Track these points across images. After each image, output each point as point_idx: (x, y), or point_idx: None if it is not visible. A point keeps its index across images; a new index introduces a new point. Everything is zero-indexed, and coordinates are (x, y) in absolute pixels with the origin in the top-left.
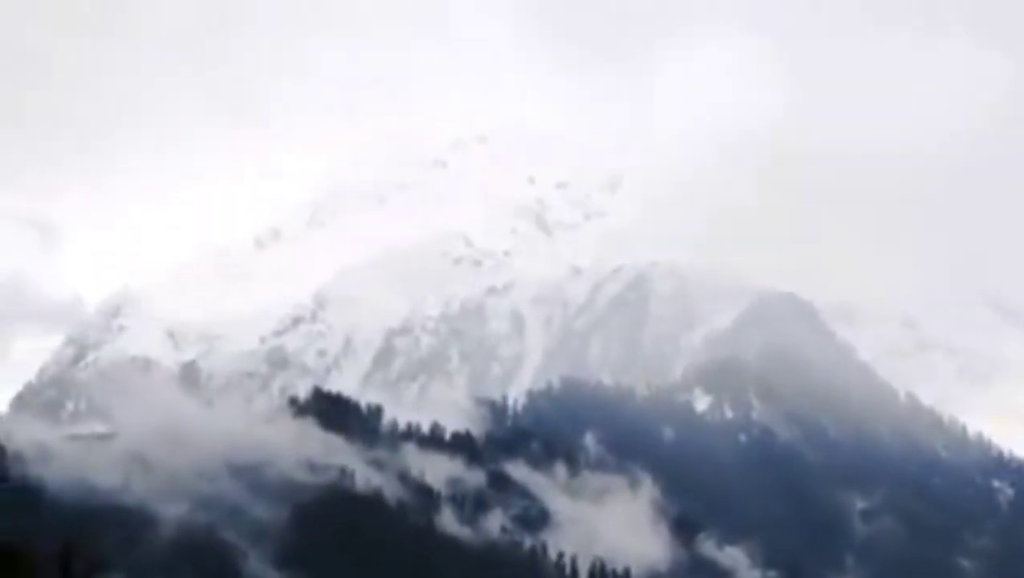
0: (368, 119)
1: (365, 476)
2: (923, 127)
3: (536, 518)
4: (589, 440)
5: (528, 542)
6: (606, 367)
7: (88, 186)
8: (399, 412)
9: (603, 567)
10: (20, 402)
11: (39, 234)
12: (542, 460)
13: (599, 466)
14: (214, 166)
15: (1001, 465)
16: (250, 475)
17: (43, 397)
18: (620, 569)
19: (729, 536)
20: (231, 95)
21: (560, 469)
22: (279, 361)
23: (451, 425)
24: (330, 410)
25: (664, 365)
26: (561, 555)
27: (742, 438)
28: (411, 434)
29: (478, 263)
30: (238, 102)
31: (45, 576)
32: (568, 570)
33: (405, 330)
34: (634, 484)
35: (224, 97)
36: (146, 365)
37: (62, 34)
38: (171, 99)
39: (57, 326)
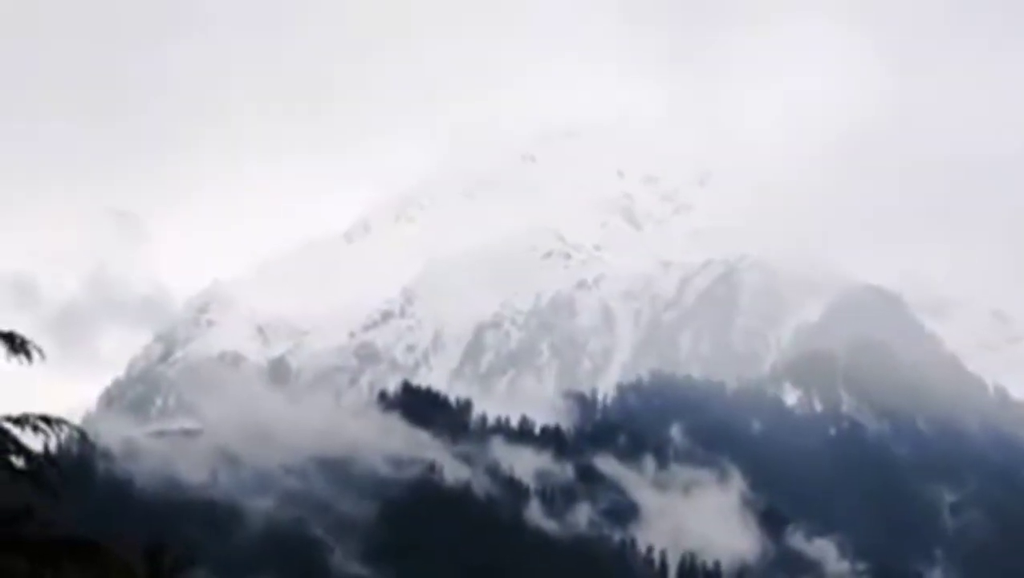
0: (457, 113)
1: (453, 470)
2: (1013, 119)
3: (625, 512)
4: (676, 432)
5: (617, 536)
6: (695, 361)
7: (175, 180)
8: (488, 406)
9: (693, 561)
10: (108, 398)
11: (125, 228)
12: (630, 453)
13: (687, 459)
14: (302, 161)
15: None
16: (338, 470)
17: (132, 393)
18: (710, 563)
19: (818, 529)
20: (319, 90)
21: (648, 462)
22: (368, 356)
23: (540, 419)
24: (419, 405)
25: (753, 359)
26: (650, 549)
27: (831, 431)
28: (500, 428)
29: (568, 257)
30: (326, 97)
31: (132, 572)
32: (658, 564)
33: (494, 324)
34: (722, 477)
35: (312, 92)
36: (235, 361)
37: (145, 33)
38: (259, 95)
39: (144, 321)
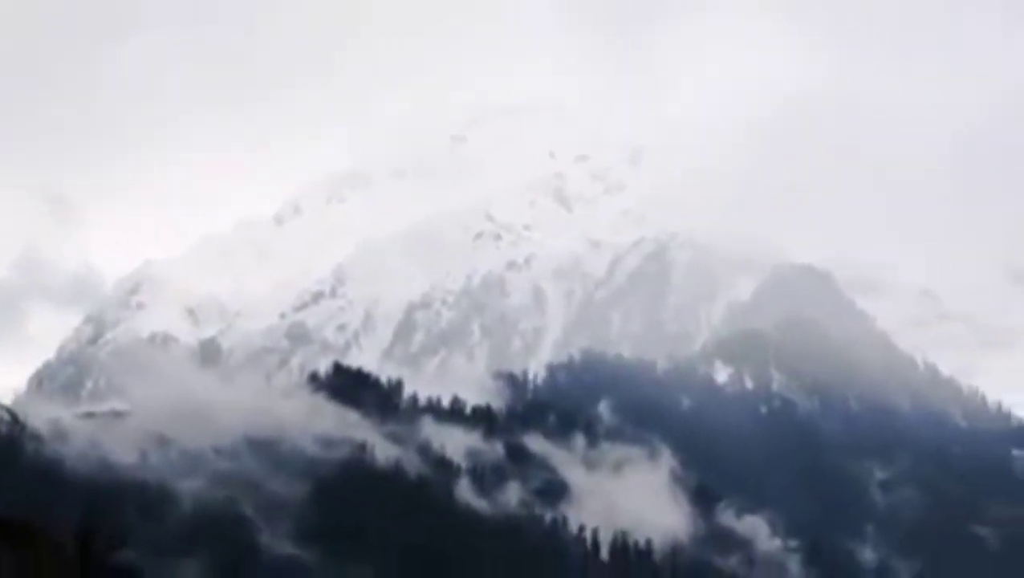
0: (387, 95)
1: (384, 450)
2: (942, 102)
3: (556, 490)
4: (606, 411)
5: (548, 515)
6: (626, 340)
7: (103, 160)
8: (419, 387)
9: (625, 540)
10: (38, 380)
11: (56, 210)
12: (561, 432)
13: (618, 437)
14: (232, 142)
15: (1020, 434)
16: (269, 451)
17: (62, 375)
18: (642, 541)
19: (749, 506)
20: (251, 71)
21: (579, 441)
22: (299, 337)
23: (471, 399)
24: (350, 385)
25: (684, 337)
26: (582, 528)
27: (762, 409)
28: (431, 408)
29: (498, 237)
30: (257, 78)
31: (64, 553)
32: (589, 543)
33: (425, 304)
34: (653, 455)
35: (243, 73)
36: (165, 342)
37: (80, 20)
38: (189, 75)
39: (75, 303)
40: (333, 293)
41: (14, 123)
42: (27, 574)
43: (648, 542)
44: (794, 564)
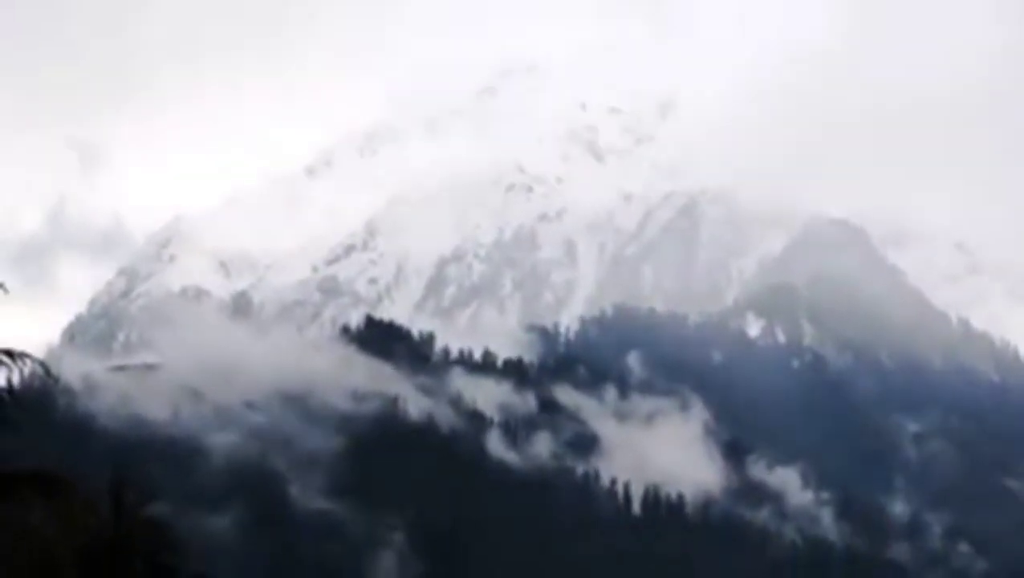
0: (419, 47)
1: (416, 403)
2: (972, 53)
3: (586, 443)
4: (638, 364)
5: (580, 468)
6: (658, 294)
7: (133, 111)
8: (451, 340)
9: (656, 493)
10: (71, 334)
11: (83, 161)
12: (592, 385)
13: (648, 389)
14: (264, 96)
15: None
16: (301, 405)
17: (94, 329)
18: (673, 494)
19: (780, 459)
20: (283, 24)
21: (610, 394)
22: (331, 290)
23: (503, 352)
24: (382, 338)
25: (716, 291)
26: (614, 481)
27: (794, 363)
28: (462, 361)
29: (530, 190)
30: (289, 31)
31: (97, 506)
32: (621, 497)
33: (457, 257)
34: (685, 408)
35: (275, 26)
36: (197, 296)
37: None
38: (221, 27)
39: (105, 255)
40: (365, 246)
41: (43, 75)
42: (61, 526)
43: (680, 496)
44: (826, 517)
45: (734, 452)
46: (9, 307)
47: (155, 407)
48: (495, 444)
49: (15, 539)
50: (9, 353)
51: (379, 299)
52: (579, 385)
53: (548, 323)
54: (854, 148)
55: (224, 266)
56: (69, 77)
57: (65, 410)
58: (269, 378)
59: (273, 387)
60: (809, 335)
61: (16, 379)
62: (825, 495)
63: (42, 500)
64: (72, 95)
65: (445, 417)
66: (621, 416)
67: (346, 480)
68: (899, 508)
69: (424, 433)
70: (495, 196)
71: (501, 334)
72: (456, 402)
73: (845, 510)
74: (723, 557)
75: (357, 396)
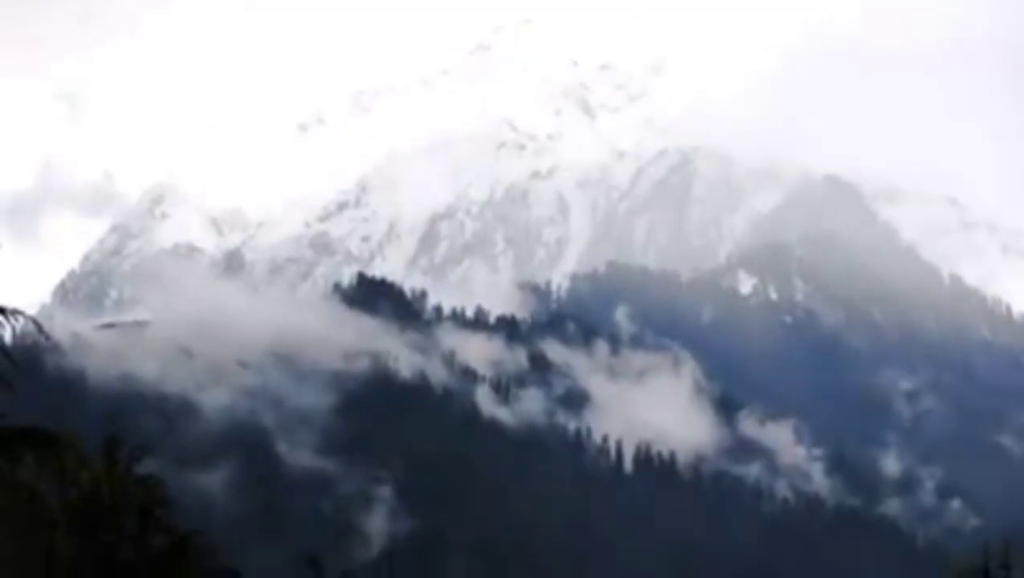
0: (412, 4)
1: (408, 361)
2: (966, 5)
3: (577, 399)
4: (629, 320)
5: (572, 425)
6: (650, 251)
7: (125, 65)
8: (443, 297)
9: (648, 451)
10: (63, 291)
11: (73, 115)
12: (583, 341)
13: (639, 346)
14: (256, 50)
15: None
16: (292, 363)
17: (85, 286)
18: (665, 452)
19: (772, 415)
20: None
21: (601, 349)
22: (323, 247)
23: (495, 309)
24: (374, 296)
25: (708, 249)
26: (605, 438)
27: (786, 320)
28: (454, 318)
29: (522, 147)
30: None
31: (89, 460)
32: (613, 454)
33: (449, 215)
34: (676, 364)
35: None
36: (189, 253)
37: None
38: None
39: (97, 212)
40: (357, 203)
41: (30, 29)
42: (54, 481)
43: (672, 454)
44: (818, 473)
45: (725, 408)
46: (1, 264)
47: (146, 365)
48: (487, 401)
49: (8, 494)
50: (2, 310)
51: (371, 256)
52: (570, 342)
53: (540, 280)
54: (846, 104)
55: (216, 223)
56: (55, 31)
57: (55, 368)
58: (260, 336)
59: (264, 345)
60: (801, 292)
61: (8, 336)
62: (817, 451)
63: (35, 456)
64: (58, 48)
65: (437, 374)
66: (612, 373)
67: (338, 438)
68: (891, 464)
69: (416, 391)
70: (487, 153)
71: (493, 291)
72: (448, 359)
73: (837, 466)
74: (715, 514)
75: (349, 354)
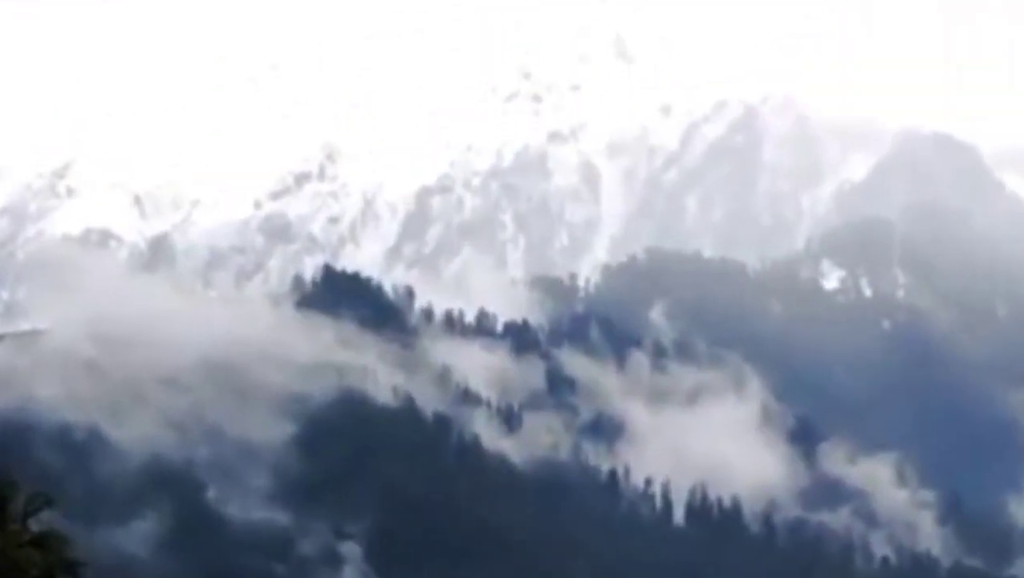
0: None
1: (389, 379)
2: None
3: (610, 428)
4: (674, 324)
5: (604, 465)
6: (705, 234)
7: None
8: (435, 297)
9: (704, 497)
10: None
11: None
12: (617, 354)
13: (691, 360)
14: None
15: None
16: (235, 382)
17: None
18: (726, 498)
19: (865, 448)
20: None
21: (641, 365)
22: (278, 232)
23: (503, 313)
24: (344, 294)
25: (781, 230)
26: (649, 481)
27: (884, 324)
28: (450, 324)
29: (537, 100)
30: None
31: None
32: (659, 501)
33: (443, 189)
34: (738, 383)
35: None
36: (102, 241)
37: None
38: None
39: None
40: (322, 174)
41: None
42: None
43: (734, 500)
44: (927, 522)
45: (803, 440)
46: None
47: (44, 386)
48: (490, 431)
49: None
50: None
51: (340, 244)
52: (599, 354)
53: (561, 274)
54: (958, 47)
55: (138, 202)
56: None
57: None
58: (194, 347)
59: (199, 359)
60: (904, 287)
61: None
62: (926, 496)
63: None
64: None
65: (425, 397)
66: (655, 394)
67: (294, 481)
68: (1023, 513)
69: (397, 418)
70: (492, 108)
71: (499, 289)
72: (440, 378)
73: (953, 512)
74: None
75: (309, 370)
